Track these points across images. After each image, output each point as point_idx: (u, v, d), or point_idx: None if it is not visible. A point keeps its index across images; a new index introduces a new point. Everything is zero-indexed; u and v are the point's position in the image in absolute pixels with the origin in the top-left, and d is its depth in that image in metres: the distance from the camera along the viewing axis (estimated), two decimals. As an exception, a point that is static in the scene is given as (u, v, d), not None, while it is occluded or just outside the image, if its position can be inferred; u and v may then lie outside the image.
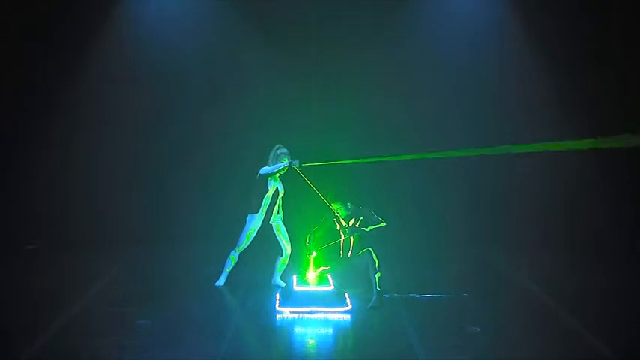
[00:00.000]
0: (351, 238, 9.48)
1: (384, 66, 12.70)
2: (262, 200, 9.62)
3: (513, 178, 12.79)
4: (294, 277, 9.32)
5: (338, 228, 9.56)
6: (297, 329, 8.40)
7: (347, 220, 9.51)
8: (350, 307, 8.88)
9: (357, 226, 9.46)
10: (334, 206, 9.50)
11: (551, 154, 12.73)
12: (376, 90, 12.74)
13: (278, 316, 8.77)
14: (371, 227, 9.42)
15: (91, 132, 12.68)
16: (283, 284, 9.66)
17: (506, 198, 12.80)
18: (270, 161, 9.63)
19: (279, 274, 9.85)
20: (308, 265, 9.35)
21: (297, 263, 9.94)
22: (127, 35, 12.62)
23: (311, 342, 8.08)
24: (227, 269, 9.84)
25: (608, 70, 12.39)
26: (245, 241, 9.68)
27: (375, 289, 9.04)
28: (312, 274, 9.25)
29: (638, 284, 10.18)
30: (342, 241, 9.55)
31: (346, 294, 9.11)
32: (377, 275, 9.05)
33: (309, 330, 8.40)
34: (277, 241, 9.75)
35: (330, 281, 9.20)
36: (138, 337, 7.90)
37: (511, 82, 12.76)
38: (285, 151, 9.64)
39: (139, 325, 8.25)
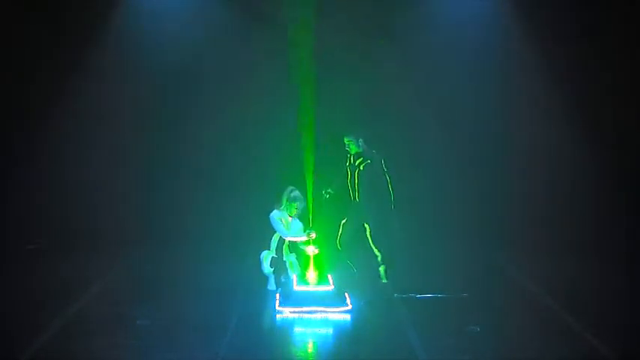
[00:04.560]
0: (356, 179, 9.67)
1: (383, 65, 12.70)
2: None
3: (514, 178, 12.78)
4: (294, 277, 9.31)
5: (347, 164, 9.79)
6: (297, 329, 8.41)
7: (356, 159, 9.65)
8: (350, 307, 8.88)
9: (361, 167, 9.64)
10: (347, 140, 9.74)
11: (552, 154, 12.75)
12: (375, 89, 12.73)
13: (278, 316, 8.77)
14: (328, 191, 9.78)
15: (90, 132, 12.67)
16: (275, 288, 9.60)
17: (507, 198, 12.78)
18: (282, 204, 9.60)
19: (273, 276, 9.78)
20: (308, 264, 9.33)
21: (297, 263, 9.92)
22: (127, 34, 12.61)
23: (311, 342, 8.08)
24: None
25: (611, 68, 12.41)
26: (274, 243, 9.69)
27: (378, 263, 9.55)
28: (312, 274, 9.24)
29: (638, 284, 10.18)
30: (348, 182, 9.72)
31: (346, 294, 9.12)
32: (380, 268, 9.40)
33: (309, 330, 8.40)
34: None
35: (330, 281, 9.20)
36: (138, 337, 7.91)
37: (512, 83, 12.75)
38: (297, 194, 9.61)
39: (138, 325, 8.25)
